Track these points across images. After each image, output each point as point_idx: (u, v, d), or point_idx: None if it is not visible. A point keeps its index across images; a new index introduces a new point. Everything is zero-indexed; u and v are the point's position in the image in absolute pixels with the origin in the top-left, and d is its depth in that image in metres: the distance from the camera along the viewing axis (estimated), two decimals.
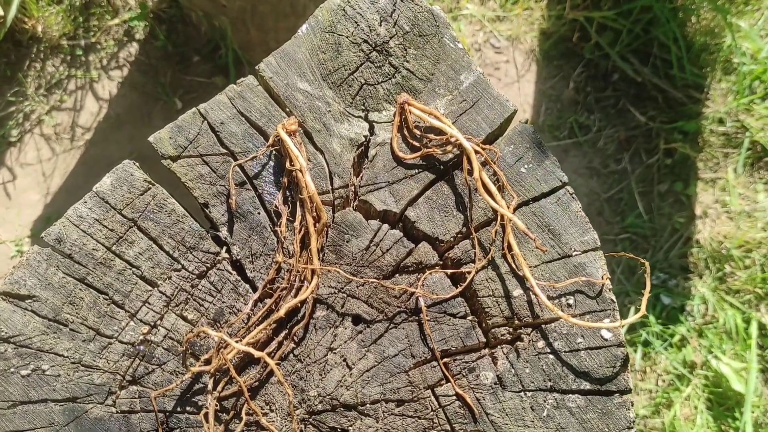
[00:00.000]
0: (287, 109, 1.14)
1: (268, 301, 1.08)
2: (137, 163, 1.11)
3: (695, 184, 3.05)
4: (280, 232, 1.09)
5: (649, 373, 2.85)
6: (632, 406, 1.06)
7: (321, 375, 1.08)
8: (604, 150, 3.10)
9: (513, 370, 1.08)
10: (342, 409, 1.08)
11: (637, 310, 2.84)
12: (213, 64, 3.09)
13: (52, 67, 3.14)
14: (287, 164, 1.09)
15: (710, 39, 3.13)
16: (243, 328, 1.08)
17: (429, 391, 1.08)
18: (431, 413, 1.07)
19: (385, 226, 1.12)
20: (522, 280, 1.10)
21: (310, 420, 1.08)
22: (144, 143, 2.89)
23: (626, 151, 3.10)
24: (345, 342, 1.09)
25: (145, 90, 3.07)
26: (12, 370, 1.04)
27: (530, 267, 1.10)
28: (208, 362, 1.05)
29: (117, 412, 1.05)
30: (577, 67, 3.17)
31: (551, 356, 1.08)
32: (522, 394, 1.07)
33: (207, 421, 1.01)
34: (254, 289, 1.10)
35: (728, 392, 2.75)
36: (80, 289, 1.07)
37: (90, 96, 3.11)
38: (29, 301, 1.06)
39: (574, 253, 1.11)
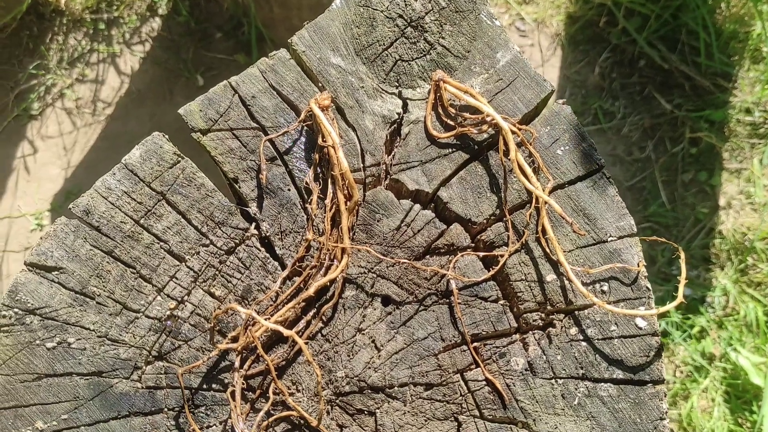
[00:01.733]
0: (320, 84, 1.11)
1: (297, 280, 1.06)
2: (166, 136, 1.09)
3: (720, 174, 3.01)
4: (311, 209, 1.07)
5: (667, 364, 2.82)
6: (665, 396, 1.04)
7: (349, 356, 1.07)
8: (628, 137, 3.05)
9: (544, 357, 1.06)
10: (369, 391, 1.06)
11: (664, 301, 2.81)
12: (235, 41, 3.07)
13: (75, 40, 3.12)
14: (319, 140, 1.07)
15: (740, 27, 3.07)
16: (271, 306, 1.06)
17: (458, 375, 1.06)
18: (460, 398, 1.05)
19: (417, 206, 1.10)
20: (556, 265, 1.08)
21: (337, 401, 1.06)
22: (165, 119, 2.88)
23: (651, 139, 3.05)
24: (374, 323, 1.08)
25: (166, 66, 3.06)
26: (38, 342, 1.03)
27: (564, 252, 1.08)
28: (235, 340, 1.04)
29: (142, 388, 1.04)
30: (603, 53, 3.12)
31: (584, 343, 1.06)
32: (553, 381, 1.05)
33: (233, 399, 1.00)
34: (283, 266, 1.08)
35: (746, 385, 2.73)
36: (107, 262, 1.06)
37: (112, 71, 3.10)
38: (56, 273, 1.04)
39: (609, 239, 1.08)
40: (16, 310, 1.03)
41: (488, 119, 1.09)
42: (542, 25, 3.19)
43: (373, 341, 1.07)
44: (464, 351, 1.07)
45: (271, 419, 1.03)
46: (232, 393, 1.01)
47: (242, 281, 1.08)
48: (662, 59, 3.05)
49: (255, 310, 1.05)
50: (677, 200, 2.96)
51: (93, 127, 3.01)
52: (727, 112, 3.02)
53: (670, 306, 1.03)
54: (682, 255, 1.12)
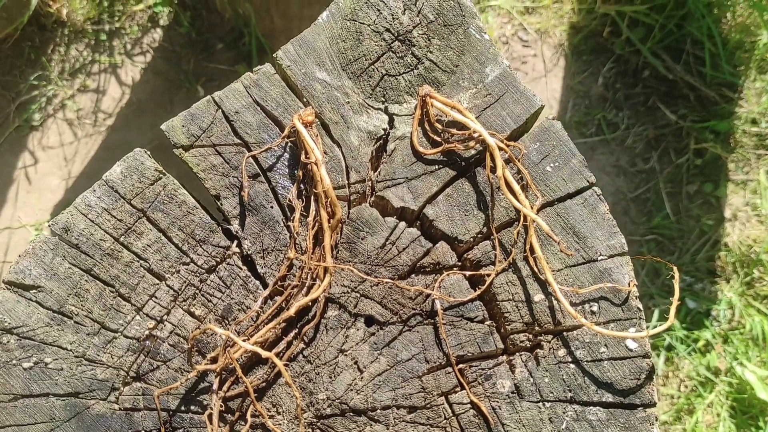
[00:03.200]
0: (304, 99, 1.09)
1: (279, 299, 1.04)
2: (148, 152, 1.08)
3: (725, 185, 2.97)
4: (293, 227, 1.05)
5: (671, 378, 2.78)
6: (656, 420, 1.01)
7: (331, 377, 1.04)
8: (632, 148, 3.02)
9: (531, 379, 1.03)
10: (351, 413, 1.04)
11: (663, 316, 2.77)
12: (236, 52, 3.06)
13: (76, 51, 3.13)
14: (302, 157, 1.05)
15: (745, 36, 3.04)
16: (252, 325, 1.04)
17: (443, 398, 1.04)
18: (444, 421, 1.03)
19: (402, 224, 1.08)
20: (544, 285, 1.05)
21: (318, 424, 1.04)
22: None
23: (655, 150, 3.02)
24: (357, 344, 1.05)
25: (167, 77, 3.05)
26: (14, 362, 1.01)
27: (553, 271, 1.05)
28: (214, 360, 1.01)
29: (120, 409, 1.02)
30: (606, 63, 3.10)
31: (572, 365, 1.03)
32: (540, 404, 1.02)
33: (211, 422, 0.98)
34: (264, 285, 1.06)
35: (752, 400, 2.68)
36: (86, 281, 1.04)
37: (113, 81, 3.09)
38: (34, 291, 1.03)
39: (599, 258, 1.05)
40: None
41: (475, 135, 1.07)
42: (545, 36, 3.16)
43: (355, 362, 1.05)
44: (449, 373, 1.04)
45: None
46: (210, 416, 0.99)
47: (223, 300, 1.06)
48: (667, 69, 3.02)
49: (235, 330, 1.03)
50: (682, 212, 2.92)
51: (94, 138, 3.01)
52: (733, 123, 2.98)
53: (660, 329, 1.00)
54: (677, 275, 1.09)
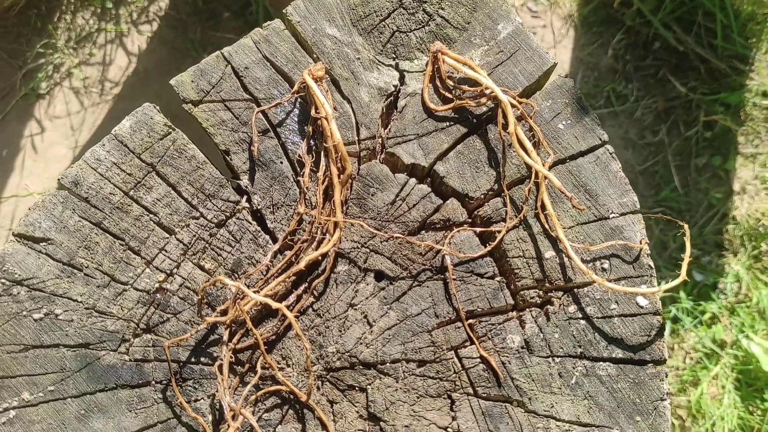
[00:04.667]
0: (314, 55, 1.08)
1: (288, 253, 1.04)
2: (158, 107, 1.07)
3: (734, 158, 2.95)
4: (303, 182, 1.05)
5: (676, 350, 2.78)
6: (666, 377, 1.01)
7: (340, 331, 1.04)
8: (641, 121, 3.00)
9: (541, 335, 1.03)
10: (361, 367, 1.04)
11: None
12: (243, 21, 3.04)
13: (82, 19, 3.11)
14: (312, 112, 1.04)
15: (758, 8, 3.00)
16: (261, 279, 1.04)
17: (452, 352, 1.04)
18: (454, 375, 1.03)
19: (413, 181, 1.07)
20: (555, 242, 1.05)
21: (328, 377, 1.04)
22: (172, 100, 2.86)
23: (664, 123, 3.00)
24: (366, 298, 1.05)
25: (174, 45, 3.04)
26: (24, 313, 1.02)
27: (564, 228, 1.05)
28: (224, 313, 1.02)
29: (130, 360, 1.03)
30: (616, 34, 3.06)
31: (582, 322, 1.03)
32: (550, 359, 1.02)
33: (221, 373, 0.98)
34: (274, 240, 1.06)
35: (758, 373, 2.68)
36: (96, 234, 1.04)
37: (119, 50, 3.08)
38: (44, 243, 1.03)
39: (611, 216, 1.05)
40: (3, 280, 1.01)
41: (487, 92, 1.06)
42: (555, 6, 3.13)
43: (365, 317, 1.05)
44: (459, 328, 1.04)
45: (259, 393, 1.01)
46: (220, 367, 0.99)
47: (232, 255, 1.05)
48: (677, 41, 2.99)
49: (245, 284, 1.03)
50: (690, 185, 2.91)
51: (100, 106, 3.00)
52: (743, 96, 2.95)
53: (672, 284, 1.00)
54: (687, 232, 1.08)
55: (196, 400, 1.02)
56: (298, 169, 1.07)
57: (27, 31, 3.10)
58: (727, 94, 2.95)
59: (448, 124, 1.08)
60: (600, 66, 3.08)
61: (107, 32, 3.09)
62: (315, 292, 1.05)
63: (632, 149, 2.96)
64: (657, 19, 2.99)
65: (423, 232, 1.07)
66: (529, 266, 1.04)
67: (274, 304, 0.95)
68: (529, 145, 1.04)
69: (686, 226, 1.08)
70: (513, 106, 1.05)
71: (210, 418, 1.02)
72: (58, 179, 1.05)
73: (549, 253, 1.05)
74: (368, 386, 1.03)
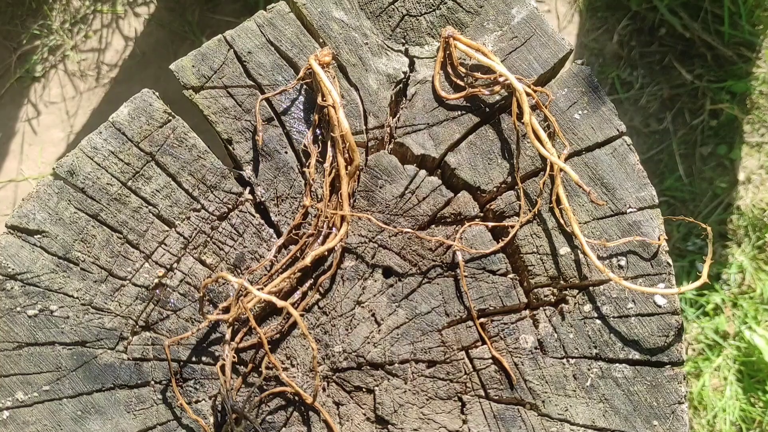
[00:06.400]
0: (321, 40, 1.04)
1: (293, 248, 1.00)
2: (157, 93, 1.03)
3: (740, 147, 2.92)
4: (309, 173, 1.01)
5: (684, 326, 2.76)
6: (684, 379, 0.97)
7: (347, 330, 1.01)
8: (646, 108, 2.96)
9: (556, 335, 0.99)
10: (368, 367, 1.00)
11: (679, 278, 2.74)
12: (242, 3, 2.98)
13: (78, 1, 3.04)
14: (319, 99, 1.00)
15: None
16: (265, 275, 1.00)
17: (463, 352, 1.00)
18: (464, 376, 0.99)
19: (423, 172, 1.03)
20: (570, 237, 1.01)
21: (334, 377, 1.00)
22: (170, 84, 2.81)
23: (669, 111, 2.96)
24: (374, 295, 1.01)
25: (171, 28, 2.98)
26: (18, 309, 0.98)
27: (580, 223, 1.01)
28: (226, 310, 0.98)
29: (128, 359, 0.99)
30: (622, 20, 3.02)
31: (598, 321, 0.99)
32: (564, 360, 0.98)
33: (223, 374, 0.94)
34: (278, 234, 1.02)
35: (760, 364, 2.67)
36: (93, 226, 1.00)
37: (116, 33, 3.02)
38: (38, 236, 0.98)
39: (628, 210, 1.01)
40: None
41: (501, 80, 1.01)
42: None
43: (373, 315, 1.01)
44: (470, 327, 1.00)
45: (263, 395, 0.98)
46: (222, 367, 0.95)
47: (235, 249, 1.01)
48: (684, 27, 2.94)
49: (248, 280, 0.99)
50: (695, 174, 2.87)
51: (96, 90, 2.95)
52: (750, 84, 2.91)
53: (693, 285, 0.96)
54: (710, 234, 1.04)
55: (197, 402, 0.98)
56: (304, 160, 1.02)
57: (21, 12, 3.04)
58: (734, 81, 2.91)
59: (459, 113, 1.03)
60: (605, 52, 3.04)
61: (103, 14, 3.03)
62: (321, 289, 1.01)
63: (637, 137, 2.93)
64: (663, 5, 2.94)
65: (433, 226, 1.03)
66: (543, 263, 1.01)
67: (279, 302, 0.91)
68: (544, 135, 1.00)
69: (709, 229, 1.04)
70: (528, 94, 1.01)
71: (212, 420, 0.98)
72: (53, 168, 1.00)
73: (564, 250, 1.01)
74: (376, 387, 0.99)
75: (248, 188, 1.03)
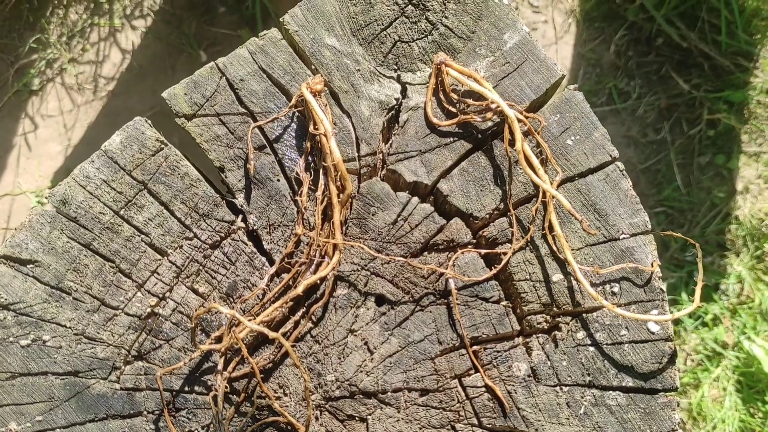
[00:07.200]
0: (313, 67, 1.04)
1: (286, 277, 1.00)
2: (149, 121, 1.03)
3: (738, 157, 2.91)
4: (301, 201, 1.01)
5: (678, 352, 2.76)
6: (678, 406, 0.97)
7: (340, 358, 1.00)
8: (643, 118, 2.96)
9: (549, 362, 0.99)
10: (361, 396, 1.00)
11: (677, 288, 2.74)
12: (239, 16, 2.98)
13: (75, 14, 3.05)
14: (311, 127, 1.00)
15: (763, 4, 2.95)
16: (257, 304, 1.00)
17: (456, 381, 1.00)
18: (457, 405, 0.99)
19: (415, 200, 1.03)
20: (563, 264, 1.01)
21: (327, 406, 1.00)
22: None
23: (667, 120, 2.96)
24: (367, 324, 1.01)
25: (168, 41, 2.98)
26: (11, 339, 0.98)
27: (573, 250, 1.01)
28: (218, 340, 0.98)
29: (120, 389, 0.99)
30: (619, 30, 3.02)
31: (591, 348, 0.99)
32: (558, 388, 0.98)
33: (216, 404, 0.94)
34: (271, 262, 1.02)
35: (759, 375, 2.66)
36: (85, 255, 1.00)
37: (113, 46, 3.02)
38: (31, 266, 0.98)
39: (621, 237, 1.01)
40: None
41: (493, 106, 1.01)
42: (556, 1, 3.08)
43: (365, 343, 1.01)
44: (463, 355, 1.00)
45: (256, 425, 0.98)
46: (215, 397, 0.95)
47: (227, 277, 1.01)
48: (681, 37, 2.94)
49: (240, 309, 0.99)
50: (693, 184, 2.87)
51: (94, 103, 2.95)
52: (747, 93, 2.91)
53: (685, 311, 0.96)
54: (699, 253, 1.04)
55: (190, 431, 0.98)
56: (296, 188, 1.02)
57: (19, 26, 3.04)
58: (731, 91, 2.91)
59: (451, 139, 1.03)
60: (602, 62, 3.04)
61: (100, 27, 3.03)
62: (313, 318, 1.01)
63: (634, 147, 2.93)
64: (660, 15, 2.94)
65: (426, 253, 1.03)
66: (536, 290, 1.01)
67: (271, 334, 0.91)
68: (536, 162, 1.00)
69: (698, 246, 1.04)
70: (519, 121, 1.01)
71: None
72: (46, 197, 1.00)
73: (557, 276, 1.01)
74: (369, 416, 0.99)
75: (240, 216, 1.03)
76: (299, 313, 1.00)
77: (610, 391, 0.98)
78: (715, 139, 2.90)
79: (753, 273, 2.78)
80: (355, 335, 1.01)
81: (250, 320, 0.93)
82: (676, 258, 2.79)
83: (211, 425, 0.98)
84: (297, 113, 1.03)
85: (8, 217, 2.87)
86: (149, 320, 0.99)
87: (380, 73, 1.04)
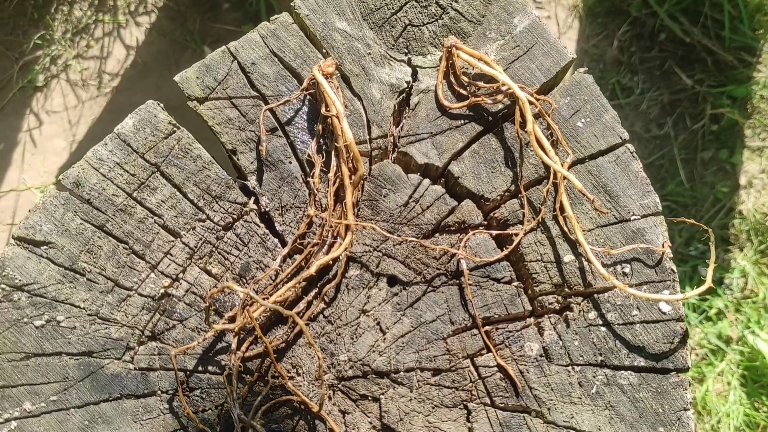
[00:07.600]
0: (324, 50, 1.04)
1: (298, 258, 1.00)
2: (162, 104, 1.03)
3: (741, 152, 2.92)
4: (313, 183, 1.01)
5: (689, 333, 2.75)
6: (689, 386, 0.97)
7: (352, 338, 1.01)
8: (646, 113, 2.96)
9: (560, 342, 0.99)
10: (374, 375, 1.00)
11: (682, 283, 2.74)
12: (243, 12, 2.99)
13: (80, 11, 3.06)
14: (323, 110, 1.00)
15: None
16: (270, 285, 1.00)
17: (468, 360, 1.00)
18: (470, 384, 1.00)
19: (426, 181, 1.03)
20: (574, 245, 1.01)
21: (339, 386, 1.00)
22: (171, 92, 2.81)
23: (670, 116, 2.96)
24: (379, 304, 1.01)
25: (173, 37, 2.99)
26: (25, 320, 0.98)
27: (584, 231, 1.01)
28: (232, 320, 0.98)
29: (135, 369, 0.99)
30: (622, 26, 3.02)
31: (603, 329, 0.99)
32: (569, 368, 0.99)
33: (230, 383, 0.94)
34: (283, 243, 1.02)
35: (764, 369, 2.66)
36: (99, 237, 1.00)
37: (117, 42, 3.03)
38: (45, 247, 0.99)
39: (632, 218, 1.01)
40: (3, 286, 0.98)
41: (504, 88, 1.02)
42: None
43: (378, 323, 1.01)
44: (475, 335, 1.01)
45: (269, 404, 0.98)
46: (229, 376, 0.95)
47: (240, 258, 1.02)
48: (684, 32, 2.95)
49: (253, 290, 0.99)
50: (696, 179, 2.87)
51: (98, 100, 2.96)
52: (751, 88, 2.92)
53: (697, 291, 0.96)
54: (712, 237, 1.05)
55: (203, 411, 0.99)
56: (308, 170, 1.03)
57: (24, 23, 3.05)
58: (734, 86, 2.91)
59: (462, 122, 1.04)
60: (605, 58, 3.04)
61: (105, 24, 3.04)
62: (326, 298, 1.01)
63: (637, 142, 2.93)
64: (663, 10, 2.95)
65: (437, 235, 1.03)
66: (547, 270, 1.01)
67: (285, 312, 0.91)
68: (547, 144, 1.00)
69: (710, 231, 1.04)
70: (530, 103, 1.01)
71: (218, 429, 0.98)
72: (59, 179, 1.01)
73: (568, 257, 1.01)
74: (381, 396, 1.00)
75: (253, 198, 1.03)
76: (312, 294, 1.01)
77: (622, 371, 0.98)
78: (718, 134, 2.90)
79: (757, 267, 2.78)
80: (368, 315, 1.01)
81: (264, 299, 0.93)
82: (680, 252, 2.80)
83: (225, 404, 0.98)
84: (308, 96, 1.04)
85: (14, 213, 2.88)
86: (163, 301, 1.00)
87: (391, 57, 1.05)
